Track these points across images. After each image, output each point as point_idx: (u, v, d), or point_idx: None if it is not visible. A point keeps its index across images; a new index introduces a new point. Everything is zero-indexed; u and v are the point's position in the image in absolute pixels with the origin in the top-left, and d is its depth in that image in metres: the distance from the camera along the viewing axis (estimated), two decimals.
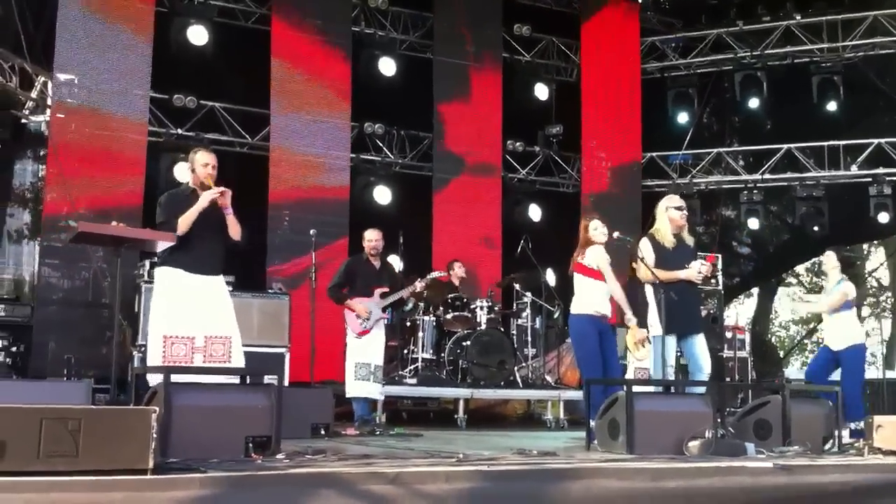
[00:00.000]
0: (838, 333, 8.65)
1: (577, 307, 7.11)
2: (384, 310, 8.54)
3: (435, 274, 9.23)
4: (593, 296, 7.07)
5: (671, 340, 6.67)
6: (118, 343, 7.60)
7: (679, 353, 7.02)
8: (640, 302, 7.10)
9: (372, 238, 8.44)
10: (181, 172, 11.17)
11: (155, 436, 3.67)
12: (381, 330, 8.51)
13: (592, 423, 6.09)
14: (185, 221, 5.88)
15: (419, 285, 8.80)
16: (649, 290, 6.83)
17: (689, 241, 7.07)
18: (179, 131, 11.53)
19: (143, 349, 8.99)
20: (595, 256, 7.09)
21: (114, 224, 5.82)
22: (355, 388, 8.25)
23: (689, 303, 6.82)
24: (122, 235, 5.41)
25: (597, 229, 7.18)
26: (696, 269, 6.75)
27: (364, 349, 8.30)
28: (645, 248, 6.81)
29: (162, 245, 5.70)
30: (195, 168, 6.17)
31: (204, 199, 5.98)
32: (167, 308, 5.94)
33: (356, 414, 8.21)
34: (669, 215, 6.92)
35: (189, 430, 4.48)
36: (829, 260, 8.80)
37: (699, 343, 6.79)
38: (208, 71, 11.86)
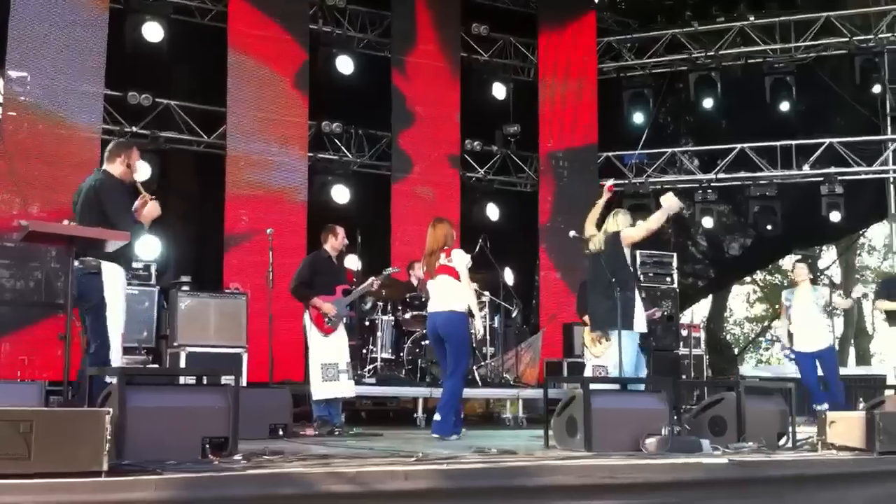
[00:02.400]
0: (818, 335, 9.02)
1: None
2: (349, 307, 8.47)
3: (390, 270, 9.18)
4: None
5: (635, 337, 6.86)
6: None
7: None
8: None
9: (342, 234, 8.34)
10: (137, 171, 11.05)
11: (109, 437, 3.62)
12: (343, 327, 8.39)
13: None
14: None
15: (376, 282, 8.72)
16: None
17: None
18: (134, 129, 11.38)
19: None
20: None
21: (66, 223, 5.74)
22: (323, 389, 8.01)
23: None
24: (74, 235, 5.33)
25: None
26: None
27: (329, 348, 8.12)
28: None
29: (115, 244, 5.62)
30: (131, 164, 6.27)
31: (155, 209, 6.20)
32: (123, 306, 5.99)
33: (315, 414, 8.10)
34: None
35: (145, 431, 4.43)
36: (802, 272, 9.19)
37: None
38: (164, 69, 11.74)
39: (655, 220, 7.32)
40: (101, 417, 3.66)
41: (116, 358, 5.90)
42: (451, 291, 7.28)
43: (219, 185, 11.56)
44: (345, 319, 8.45)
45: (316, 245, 8.68)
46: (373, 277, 8.71)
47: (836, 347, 9.49)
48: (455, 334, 7.21)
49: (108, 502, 3.43)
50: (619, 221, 7.55)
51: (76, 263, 5.90)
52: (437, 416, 7.11)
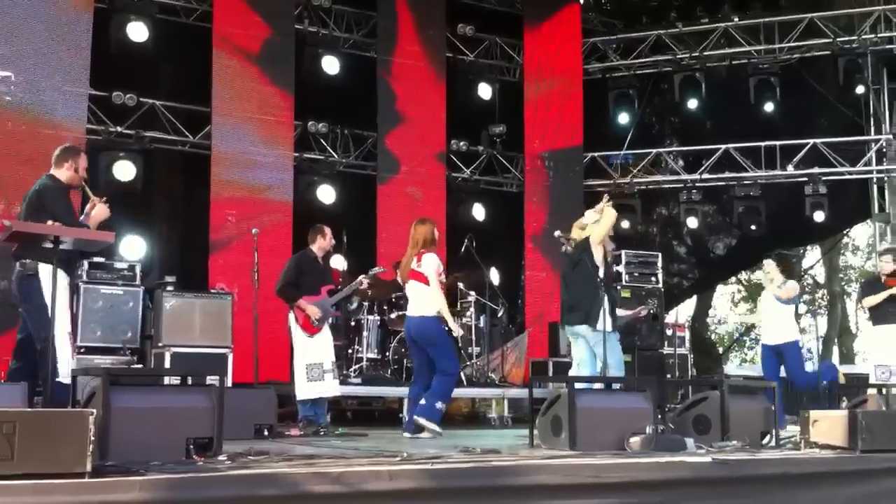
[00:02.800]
0: (777, 328, 8.97)
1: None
2: (335, 307, 8.50)
3: (376, 270, 9.19)
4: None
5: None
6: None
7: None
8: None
9: (329, 235, 8.37)
10: (121, 171, 11.03)
11: (93, 438, 3.61)
12: (328, 327, 8.41)
13: None
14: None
15: (365, 281, 8.73)
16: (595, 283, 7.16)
17: None
18: (119, 129, 11.34)
19: (82, 350, 8.89)
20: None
21: (49, 223, 5.71)
22: (308, 389, 8.04)
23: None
24: (58, 235, 5.31)
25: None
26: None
27: (314, 349, 8.13)
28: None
29: (100, 244, 5.62)
30: (78, 169, 6.40)
31: (103, 212, 6.31)
32: (66, 306, 6.12)
33: (301, 415, 8.08)
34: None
35: (129, 432, 4.41)
36: (771, 268, 9.17)
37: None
38: (149, 68, 11.70)
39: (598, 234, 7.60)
40: (85, 418, 3.65)
41: (65, 358, 5.88)
42: (421, 297, 7.42)
43: (204, 185, 11.52)
44: (330, 319, 8.47)
45: (302, 245, 8.68)
46: (361, 276, 8.72)
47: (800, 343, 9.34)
48: (429, 337, 7.38)
49: (92, 503, 3.43)
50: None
51: (17, 266, 5.94)
52: (421, 401, 7.30)
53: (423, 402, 7.28)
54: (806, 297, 24.65)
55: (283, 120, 12.10)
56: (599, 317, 7.13)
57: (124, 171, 11.05)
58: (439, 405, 7.29)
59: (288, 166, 12.11)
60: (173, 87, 11.98)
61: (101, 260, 9.31)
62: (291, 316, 8.17)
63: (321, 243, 8.32)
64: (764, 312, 9.43)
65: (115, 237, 7.85)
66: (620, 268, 12.11)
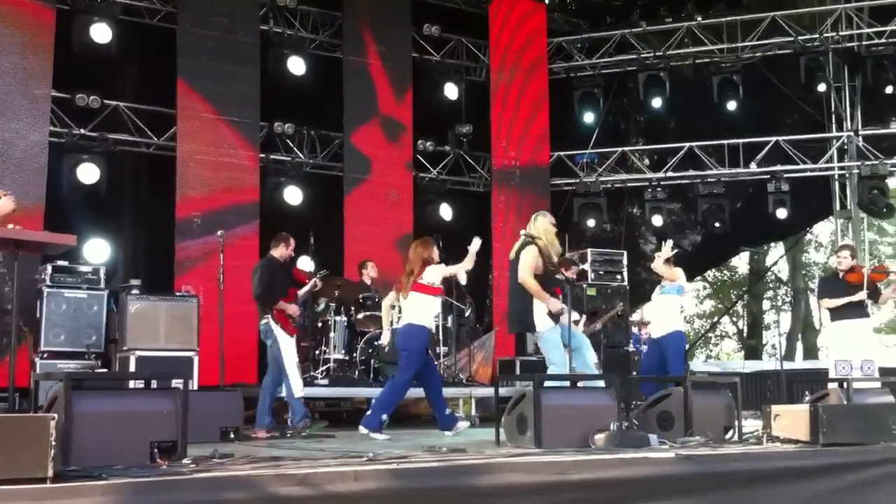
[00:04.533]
0: (661, 321, 9.03)
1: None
2: (302, 307, 8.73)
3: (323, 273, 9.55)
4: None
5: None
6: (18, 349, 7.39)
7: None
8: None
9: (292, 245, 8.54)
10: (85, 173, 10.93)
11: (54, 443, 3.59)
12: None
13: None
14: None
15: (318, 283, 9.06)
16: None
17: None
18: (83, 132, 11.22)
19: (45, 354, 8.81)
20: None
21: (10, 227, 5.66)
22: (301, 388, 8.20)
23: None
24: (20, 238, 5.28)
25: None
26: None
27: (295, 350, 8.34)
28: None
29: (62, 248, 5.58)
30: None
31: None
32: None
33: (300, 413, 8.10)
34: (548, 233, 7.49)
35: (91, 436, 4.39)
36: (665, 249, 9.18)
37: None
38: (112, 70, 11.60)
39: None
40: (46, 423, 3.64)
41: None
42: (418, 306, 7.53)
43: (169, 187, 11.45)
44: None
45: (267, 247, 8.70)
46: (314, 279, 9.04)
47: (684, 334, 9.35)
48: (409, 346, 7.46)
49: None
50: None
51: None
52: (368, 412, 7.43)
53: (369, 412, 7.41)
54: (769, 293, 24.88)
55: (248, 121, 12.04)
56: (535, 321, 7.21)
57: (88, 173, 10.95)
58: (384, 417, 7.37)
59: (254, 168, 12.06)
60: (137, 89, 11.88)
61: (65, 263, 9.22)
62: (270, 321, 8.17)
63: (282, 252, 8.45)
64: (651, 306, 9.49)
65: (79, 240, 7.85)
66: (586, 266, 12.19)
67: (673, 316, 9.07)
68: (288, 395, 8.14)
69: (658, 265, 9.04)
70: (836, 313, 9.35)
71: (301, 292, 8.71)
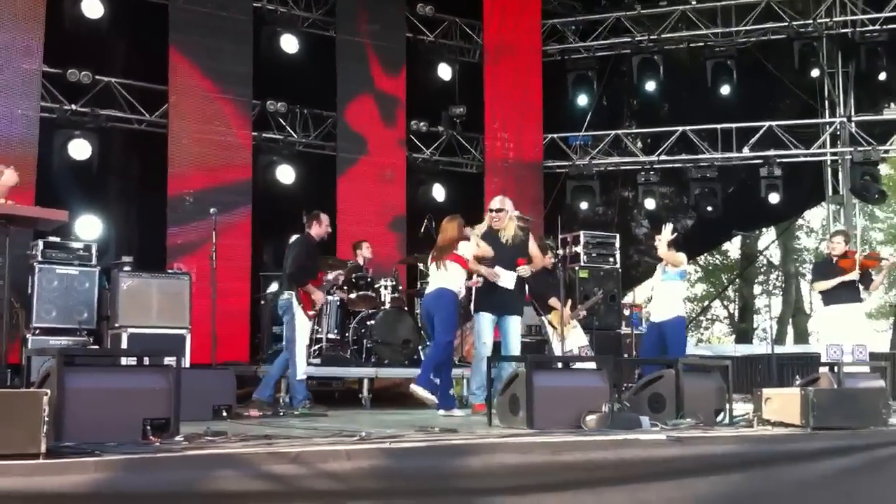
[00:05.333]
0: (660, 306, 9.03)
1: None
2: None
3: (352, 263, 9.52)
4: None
5: (486, 318, 7.69)
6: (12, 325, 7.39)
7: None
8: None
9: (325, 222, 8.62)
10: (77, 149, 10.87)
11: (47, 419, 3.58)
12: None
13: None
14: None
15: (341, 276, 9.23)
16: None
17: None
18: (74, 107, 11.16)
19: (37, 331, 8.79)
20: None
21: (1, 202, 5.63)
22: (304, 369, 8.34)
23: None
24: (11, 213, 5.25)
25: None
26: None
27: (307, 332, 8.49)
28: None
29: (54, 223, 5.55)
30: None
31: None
32: None
33: (301, 395, 8.16)
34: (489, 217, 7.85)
35: (84, 412, 4.38)
36: (665, 232, 9.13)
37: (513, 324, 7.80)
38: (104, 45, 11.51)
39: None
40: (39, 399, 3.62)
41: None
42: (451, 274, 7.75)
43: (161, 164, 11.41)
44: None
45: (260, 226, 8.69)
46: (338, 272, 9.16)
47: (685, 319, 9.40)
48: (442, 307, 7.71)
49: (47, 484, 3.40)
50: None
51: None
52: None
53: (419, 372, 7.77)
54: (760, 277, 24.95)
55: (241, 99, 11.99)
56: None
57: (80, 149, 10.89)
58: (432, 377, 7.71)
59: (246, 146, 12.02)
60: (129, 65, 11.80)
61: (57, 240, 9.19)
62: (293, 298, 8.22)
63: (317, 230, 8.52)
64: (655, 290, 9.50)
65: (71, 217, 7.79)
66: (579, 248, 12.20)
67: (675, 301, 9.07)
68: (291, 374, 8.18)
69: (662, 250, 9.03)
70: (829, 297, 9.39)
71: (329, 277, 8.81)
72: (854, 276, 9.11)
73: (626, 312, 12.27)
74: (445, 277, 7.74)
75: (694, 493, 4.81)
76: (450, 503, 4.22)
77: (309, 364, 9.43)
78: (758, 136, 14.41)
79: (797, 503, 5.11)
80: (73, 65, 11.00)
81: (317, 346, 9.86)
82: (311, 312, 8.34)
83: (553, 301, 9.28)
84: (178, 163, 11.45)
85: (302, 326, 8.30)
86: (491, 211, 7.90)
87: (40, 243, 9.03)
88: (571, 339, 9.24)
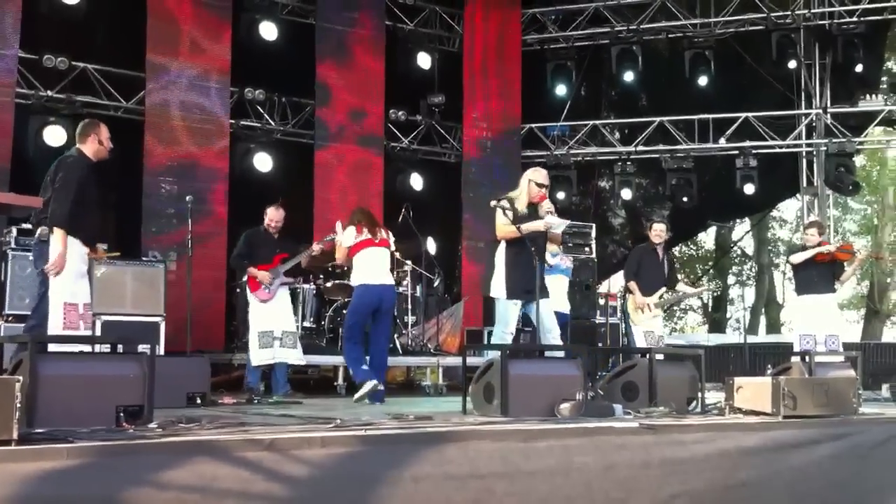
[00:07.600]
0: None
1: None
2: (288, 274, 8.84)
3: (331, 237, 9.24)
4: None
5: (514, 306, 7.03)
6: None
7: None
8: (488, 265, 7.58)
9: (273, 217, 8.73)
10: (52, 136, 10.78)
11: (19, 406, 3.57)
12: (286, 296, 8.85)
13: None
14: None
15: (316, 248, 8.95)
16: (499, 256, 7.10)
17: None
18: (50, 93, 11.07)
19: (9, 318, 8.73)
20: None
21: None
22: (259, 356, 8.44)
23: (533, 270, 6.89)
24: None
25: None
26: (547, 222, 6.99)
27: (266, 317, 8.53)
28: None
29: (27, 210, 5.53)
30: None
31: None
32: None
33: (248, 381, 8.42)
34: (530, 188, 7.13)
35: (57, 399, 4.37)
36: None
37: (545, 307, 6.99)
38: (81, 31, 11.41)
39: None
40: (11, 385, 3.61)
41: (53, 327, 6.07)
42: (388, 264, 7.97)
43: (138, 151, 11.34)
44: (285, 287, 8.89)
45: (236, 214, 8.73)
46: (314, 244, 8.99)
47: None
48: (392, 305, 8.02)
49: (19, 471, 3.39)
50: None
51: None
52: (380, 386, 7.64)
53: (381, 387, 7.71)
54: (734, 268, 25.11)
55: (219, 86, 11.93)
56: (493, 285, 7.13)
57: (55, 136, 10.80)
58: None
59: (224, 133, 11.96)
60: (106, 51, 11.71)
61: (31, 227, 9.10)
62: (245, 285, 8.60)
63: (267, 222, 8.73)
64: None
65: None
66: None
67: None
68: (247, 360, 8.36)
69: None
70: (803, 287, 9.48)
71: (294, 259, 8.81)
72: (830, 248, 9.32)
73: (602, 302, 12.33)
74: (388, 269, 8.03)
75: (667, 480, 4.86)
76: (424, 490, 4.24)
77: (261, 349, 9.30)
78: (734, 127, 14.50)
79: (768, 491, 5.17)
80: (49, 50, 10.91)
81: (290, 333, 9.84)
82: (262, 293, 8.45)
83: (632, 285, 9.30)
84: (154, 150, 11.38)
85: (253, 312, 8.52)
86: (541, 186, 7.15)
87: (14, 230, 8.98)
88: (650, 325, 9.23)
